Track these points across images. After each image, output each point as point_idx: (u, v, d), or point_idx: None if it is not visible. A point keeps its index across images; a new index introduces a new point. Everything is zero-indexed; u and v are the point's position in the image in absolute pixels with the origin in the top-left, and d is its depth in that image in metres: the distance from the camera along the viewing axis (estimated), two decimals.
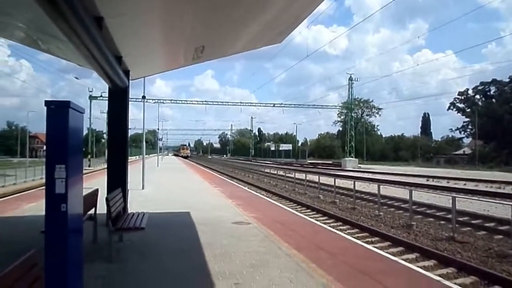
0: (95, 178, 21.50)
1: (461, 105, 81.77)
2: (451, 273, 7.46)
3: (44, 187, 3.81)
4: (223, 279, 5.45)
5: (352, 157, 57.82)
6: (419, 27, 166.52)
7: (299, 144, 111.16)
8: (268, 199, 16.22)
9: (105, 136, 73.82)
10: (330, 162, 68.41)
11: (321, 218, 13.28)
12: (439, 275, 6.56)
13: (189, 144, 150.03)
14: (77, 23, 4.46)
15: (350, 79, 59.41)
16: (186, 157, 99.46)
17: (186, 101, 73.59)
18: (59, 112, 3.71)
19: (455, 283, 5.98)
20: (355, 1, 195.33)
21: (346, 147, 60.56)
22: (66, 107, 3.72)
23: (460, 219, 11.96)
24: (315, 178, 22.23)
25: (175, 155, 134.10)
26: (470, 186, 23.98)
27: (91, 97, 53.19)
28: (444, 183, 26.31)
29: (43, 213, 3.70)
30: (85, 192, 5.68)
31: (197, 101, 66.62)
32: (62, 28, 4.52)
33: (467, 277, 7.23)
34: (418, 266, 6.90)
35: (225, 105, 67.72)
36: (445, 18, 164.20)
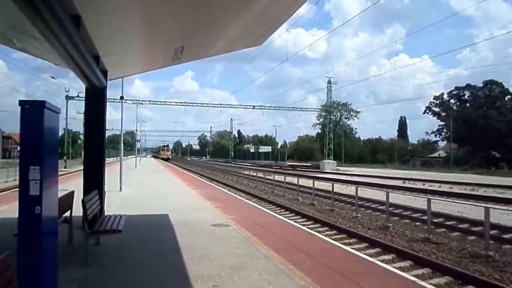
0: (71, 180, 21.07)
1: (436, 109, 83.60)
2: (426, 274, 7.60)
3: (18, 189, 3.72)
4: (202, 282, 5.41)
5: (330, 159, 58.39)
6: (397, 32, 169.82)
7: (279, 146, 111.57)
8: (247, 201, 16.22)
9: (81, 137, 72.46)
10: (309, 164, 68.89)
11: (300, 220, 13.34)
12: (415, 276, 6.67)
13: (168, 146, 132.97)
14: (54, 22, 4.37)
15: (329, 82, 60.17)
16: (167, 160, 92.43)
17: (165, 102, 73.13)
18: (33, 112, 3.63)
19: (430, 283, 6.10)
20: (334, 6, 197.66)
21: (325, 150, 61.19)
22: (41, 107, 3.65)
23: (435, 220, 12.21)
24: (294, 180, 22.34)
25: (154, 156, 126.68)
26: (445, 188, 24.52)
27: (68, 97, 52.25)
28: (420, 185, 26.84)
29: (17, 215, 3.61)
30: (60, 194, 5.56)
31: (176, 102, 66.22)
32: (39, 26, 4.42)
33: (442, 277, 7.38)
34: (394, 267, 7.00)
35: (205, 106, 67.55)
36: (422, 23, 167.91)
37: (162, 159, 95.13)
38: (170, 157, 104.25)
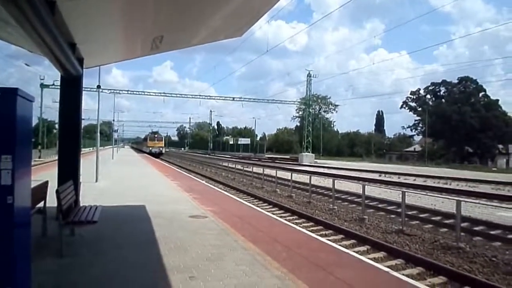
0: (45, 170, 20.62)
1: (413, 104, 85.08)
2: (399, 264, 7.80)
3: None
4: (178, 273, 5.41)
5: (309, 152, 58.80)
6: (376, 27, 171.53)
7: (258, 139, 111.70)
8: (226, 193, 16.21)
9: (56, 126, 70.83)
10: (288, 157, 69.26)
11: (278, 212, 13.45)
12: (388, 266, 6.84)
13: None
14: (28, 7, 4.25)
15: (309, 75, 60.31)
16: (158, 155, 59.21)
17: (144, 92, 71.79)
18: (5, 99, 3.53)
19: (402, 274, 6.26)
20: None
21: (303, 142, 61.54)
22: (13, 94, 3.55)
23: (409, 213, 12.50)
24: (272, 172, 22.45)
25: (135, 149, 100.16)
26: (419, 181, 25.08)
27: (43, 85, 50.86)
28: (395, 178, 27.37)
29: None
30: (34, 184, 5.46)
31: (155, 92, 64.81)
32: (12, 12, 4.29)
33: (414, 268, 7.59)
34: (368, 258, 7.15)
35: (184, 97, 66.66)
36: (401, 19, 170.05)
37: (150, 154, 61.23)
38: (163, 151, 67.44)
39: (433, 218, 12.40)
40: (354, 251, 7.67)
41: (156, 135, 70.99)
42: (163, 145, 73.09)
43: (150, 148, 64.57)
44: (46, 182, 7.61)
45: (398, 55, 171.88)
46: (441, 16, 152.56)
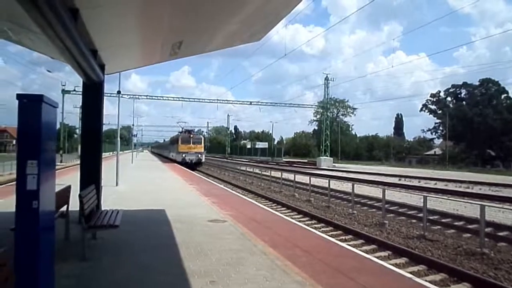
0: (67, 174, 21.00)
1: (432, 107, 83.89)
2: (421, 270, 7.65)
3: (14, 183, 3.70)
4: (199, 277, 5.42)
5: (327, 156, 58.42)
6: (394, 29, 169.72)
7: (275, 143, 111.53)
8: (244, 197, 16.22)
9: (77, 131, 72.13)
10: (306, 160, 68.95)
11: (296, 216, 13.38)
12: (410, 272, 6.72)
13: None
14: (52, 15, 4.33)
15: (326, 79, 60.03)
16: (196, 165, 42.11)
17: (162, 97, 72.73)
18: (32, 106, 3.60)
19: (425, 280, 6.14)
20: (331, 2, 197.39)
21: (321, 146, 61.16)
22: (39, 101, 3.62)
23: (431, 217, 12.26)
24: (290, 176, 22.36)
25: (155, 153, 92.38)
26: (440, 185, 24.63)
27: (64, 91, 51.93)
28: (415, 182, 26.93)
29: (13, 210, 3.59)
30: (57, 188, 5.54)
31: (173, 97, 65.45)
32: (36, 19, 4.37)
33: (437, 274, 7.43)
34: (390, 264, 7.03)
35: (202, 102, 67.18)
36: (419, 21, 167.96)
37: (183, 163, 41.60)
38: (202, 159, 45.04)
39: (456, 223, 12.14)
40: (375, 257, 7.56)
41: (191, 135, 45.83)
42: (203, 149, 46.64)
43: (183, 155, 42.69)
44: (69, 187, 7.74)
45: (417, 57, 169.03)
46: (460, 17, 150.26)
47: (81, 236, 6.31)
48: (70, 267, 5.72)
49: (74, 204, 6.92)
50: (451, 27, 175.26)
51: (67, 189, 7.61)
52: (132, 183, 19.01)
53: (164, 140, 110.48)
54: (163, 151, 71.71)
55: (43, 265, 3.71)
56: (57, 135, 49.36)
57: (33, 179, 3.57)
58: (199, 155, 43.40)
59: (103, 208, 8.39)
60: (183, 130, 48.46)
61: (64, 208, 7.33)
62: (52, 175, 4.13)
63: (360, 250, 8.07)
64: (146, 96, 62.83)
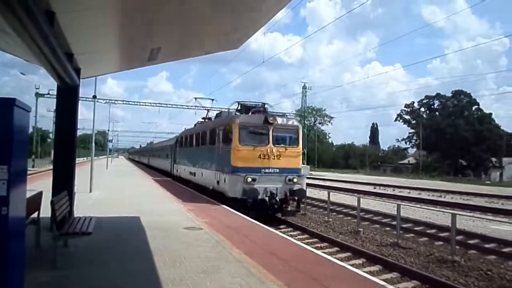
0: (39, 180, 20.45)
1: (407, 117, 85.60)
2: (395, 278, 7.78)
3: None
4: (174, 285, 5.36)
5: (304, 163, 58.79)
6: (370, 40, 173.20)
7: None
8: (220, 204, 16.12)
9: (51, 135, 70.47)
10: None
11: (272, 224, 13.38)
12: (384, 280, 6.81)
13: None
14: (27, 17, 4.25)
15: (304, 87, 60.76)
16: (285, 207, 13.82)
17: (139, 102, 71.86)
18: (3, 110, 3.51)
19: (398, 287, 6.24)
20: (310, 12, 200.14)
21: None
22: (11, 105, 3.54)
23: (404, 225, 12.50)
24: None
25: (136, 161, 77.94)
26: (414, 194, 25.13)
27: (38, 94, 50.71)
28: (390, 191, 27.42)
29: None
30: (28, 194, 5.40)
31: (150, 103, 64.67)
32: (10, 21, 4.29)
33: (410, 281, 7.57)
34: (364, 271, 7.11)
35: (179, 108, 66.55)
36: (395, 33, 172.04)
37: (238, 201, 13.47)
38: (303, 186, 14.33)
39: (428, 231, 12.41)
40: (350, 264, 7.65)
41: (272, 118, 14.32)
42: (300, 159, 15.32)
43: (248, 179, 13.52)
44: (41, 193, 7.55)
45: (393, 68, 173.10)
46: (434, 30, 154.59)
47: (53, 244, 6.16)
48: (41, 275, 5.56)
49: (46, 210, 6.74)
50: (426, 39, 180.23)
51: (39, 195, 7.43)
52: (107, 190, 18.66)
53: (141, 146, 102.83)
54: (153, 158, 47.93)
55: (13, 273, 3.61)
56: (30, 139, 48.15)
57: (2, 184, 3.48)
58: (295, 179, 14.16)
59: (76, 215, 8.21)
60: (231, 109, 19.14)
61: (35, 215, 7.15)
62: (23, 181, 4.03)
63: (335, 257, 8.13)
64: (123, 101, 61.61)
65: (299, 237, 11.30)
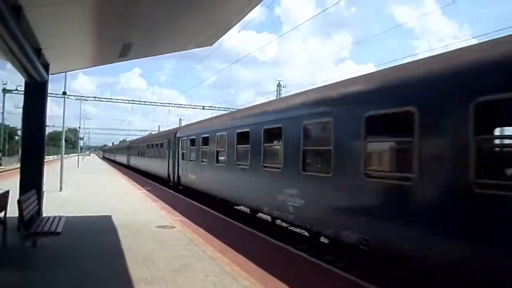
0: (6, 179, 19.87)
1: None
2: None
3: None
4: (145, 285, 5.31)
5: None
6: (344, 39, 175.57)
7: None
8: (195, 202, 16.05)
9: (19, 133, 68.44)
10: None
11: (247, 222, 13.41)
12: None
13: None
14: None
15: (279, 85, 60.82)
16: None
17: (111, 99, 70.67)
18: None
19: None
20: (284, 11, 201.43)
21: None
22: None
23: None
24: None
25: (108, 158, 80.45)
26: None
27: (5, 90, 49.17)
28: None
29: None
30: None
31: (123, 99, 63.80)
32: None
33: None
34: (336, 267, 7.22)
35: (153, 105, 65.76)
36: (367, 32, 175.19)
37: None
38: None
39: None
40: (322, 260, 7.74)
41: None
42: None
43: None
44: (7, 192, 7.35)
45: (365, 67, 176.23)
46: (405, 31, 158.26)
47: (20, 244, 6.01)
48: (8, 276, 5.43)
49: (13, 210, 6.56)
50: (397, 39, 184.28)
51: (5, 194, 7.24)
52: (77, 188, 18.27)
53: (113, 143, 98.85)
54: (141, 157, 34.73)
55: None
56: None
57: None
58: None
59: (44, 215, 8.03)
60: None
61: (1, 214, 6.95)
62: None
63: (308, 254, 8.22)
64: (94, 97, 60.34)
65: (273, 234, 11.36)
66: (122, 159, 51.62)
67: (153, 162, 27.81)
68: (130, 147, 45.89)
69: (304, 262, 7.12)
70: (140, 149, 35.54)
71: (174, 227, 9.54)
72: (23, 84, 9.31)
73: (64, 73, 16.43)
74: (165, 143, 23.96)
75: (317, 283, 5.93)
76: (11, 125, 65.43)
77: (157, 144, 26.85)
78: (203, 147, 15.78)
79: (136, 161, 37.31)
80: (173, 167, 20.89)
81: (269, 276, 5.98)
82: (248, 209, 12.42)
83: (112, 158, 72.61)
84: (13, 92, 48.96)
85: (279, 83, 61.07)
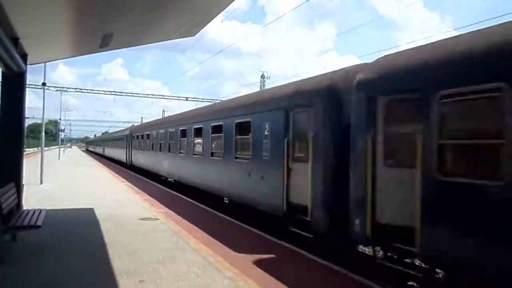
0: None
1: None
2: None
3: None
4: (128, 277, 5.27)
5: None
6: (328, 30, 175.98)
7: None
8: (178, 194, 15.99)
9: None
10: None
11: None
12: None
13: None
14: None
15: (262, 76, 60.67)
16: None
17: (93, 90, 69.32)
18: None
19: None
20: (268, 1, 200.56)
21: None
22: None
23: None
24: None
25: (91, 150, 79.84)
26: None
27: None
28: None
29: None
30: None
31: (104, 91, 62.77)
32: None
33: None
34: (320, 258, 7.30)
35: (136, 96, 65.00)
36: (350, 23, 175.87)
37: None
38: None
39: None
40: (304, 250, 7.80)
41: None
42: None
43: None
44: None
45: (349, 59, 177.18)
46: (387, 22, 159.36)
47: None
48: None
49: None
50: (380, 31, 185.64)
51: None
52: (59, 181, 18.00)
53: (95, 135, 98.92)
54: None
55: None
56: None
57: None
58: None
59: (24, 208, 7.89)
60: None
61: None
62: None
63: (292, 244, 8.27)
64: (75, 89, 59.20)
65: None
66: (100, 150, 61.82)
67: (119, 151, 37.42)
68: (105, 140, 57.24)
69: (291, 253, 7.16)
70: (110, 143, 47.62)
71: (157, 219, 9.49)
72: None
73: (43, 64, 16.04)
74: (125, 138, 32.94)
75: (301, 273, 5.97)
76: None
77: (121, 138, 36.22)
78: (142, 140, 25.67)
79: (109, 151, 48.04)
80: (129, 154, 30.56)
81: (253, 267, 6.00)
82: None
83: (94, 150, 74.64)
84: None
85: (262, 74, 60.91)
